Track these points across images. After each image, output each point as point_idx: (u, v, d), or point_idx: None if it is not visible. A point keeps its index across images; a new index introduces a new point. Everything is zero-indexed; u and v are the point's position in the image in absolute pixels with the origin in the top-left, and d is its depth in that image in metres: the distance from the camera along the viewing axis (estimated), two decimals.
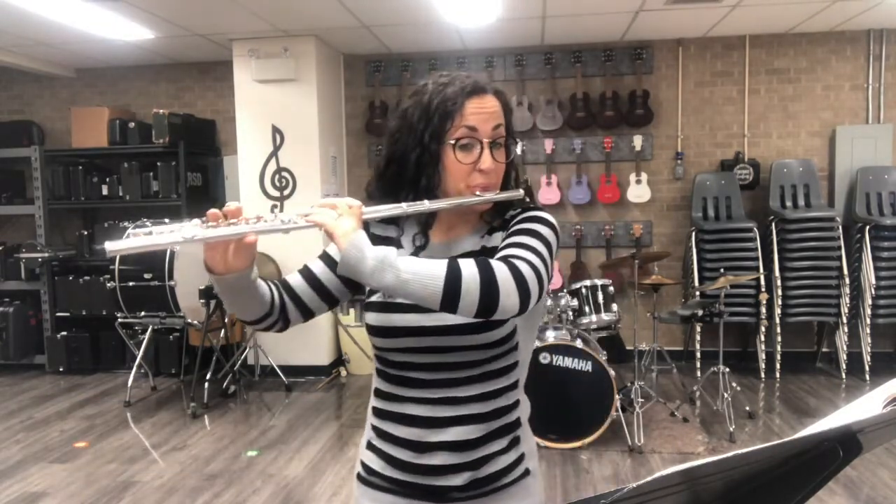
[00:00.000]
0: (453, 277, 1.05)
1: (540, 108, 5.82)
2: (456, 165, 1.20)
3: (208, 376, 4.90)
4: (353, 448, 4.06)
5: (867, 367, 5.18)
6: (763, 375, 5.29)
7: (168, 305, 4.92)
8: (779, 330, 5.26)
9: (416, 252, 1.29)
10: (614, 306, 4.40)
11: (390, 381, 1.27)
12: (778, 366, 5.28)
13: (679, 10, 4.89)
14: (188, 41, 5.46)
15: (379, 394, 1.30)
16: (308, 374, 5.57)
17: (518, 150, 1.30)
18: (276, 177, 5.58)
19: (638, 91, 5.66)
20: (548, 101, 5.81)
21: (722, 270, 4.37)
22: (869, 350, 5.21)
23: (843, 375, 5.25)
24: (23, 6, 4.37)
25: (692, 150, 5.81)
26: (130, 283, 4.95)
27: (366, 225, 1.15)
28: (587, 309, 4.36)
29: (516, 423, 1.28)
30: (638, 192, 5.77)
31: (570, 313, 4.30)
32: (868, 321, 5.16)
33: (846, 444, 0.67)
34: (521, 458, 1.27)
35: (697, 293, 4.77)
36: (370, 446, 1.31)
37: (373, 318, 1.26)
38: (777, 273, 5.21)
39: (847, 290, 5.18)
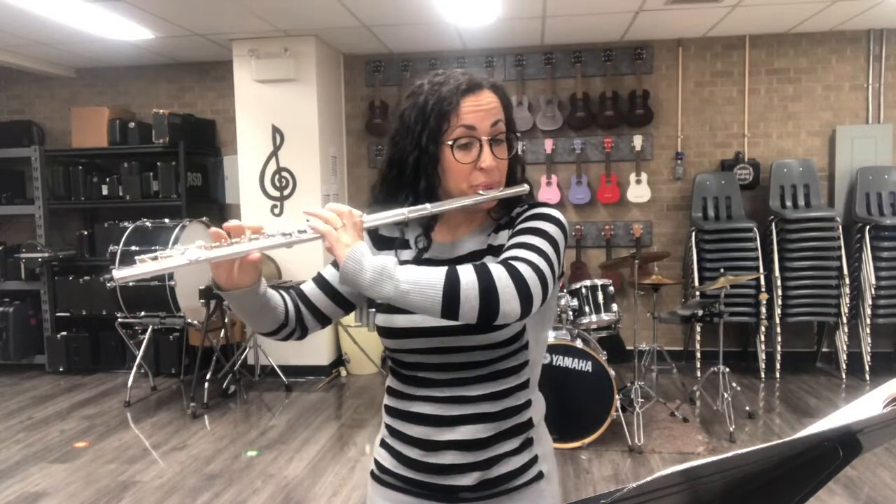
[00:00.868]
0: (451, 286, 1.05)
1: (540, 108, 5.83)
2: (456, 166, 1.19)
3: (208, 376, 4.90)
4: (352, 448, 4.06)
5: (867, 367, 5.18)
6: (763, 375, 5.29)
7: (168, 305, 4.92)
8: (779, 330, 5.26)
9: (420, 254, 1.28)
10: (614, 306, 4.40)
11: (401, 380, 1.28)
12: (778, 366, 5.28)
13: (679, 10, 4.89)
14: (188, 41, 5.46)
15: (391, 392, 1.30)
16: (308, 374, 5.57)
17: (519, 147, 1.29)
18: (276, 177, 5.58)
19: (638, 91, 5.66)
20: (548, 101, 5.81)
21: (722, 270, 4.37)
22: (869, 350, 5.21)
23: (843, 375, 5.25)
24: (23, 6, 4.38)
25: (692, 150, 5.81)
26: (130, 283, 4.92)
27: (376, 228, 1.16)
28: (587, 309, 4.36)
29: (528, 424, 1.26)
30: (638, 192, 5.77)
31: (570, 313, 4.30)
32: (868, 321, 5.16)
33: (846, 444, 0.67)
34: (534, 461, 1.25)
35: (697, 293, 4.77)
36: (383, 444, 1.31)
37: (380, 319, 1.26)
38: (777, 273, 5.21)
39: (847, 290, 5.18)
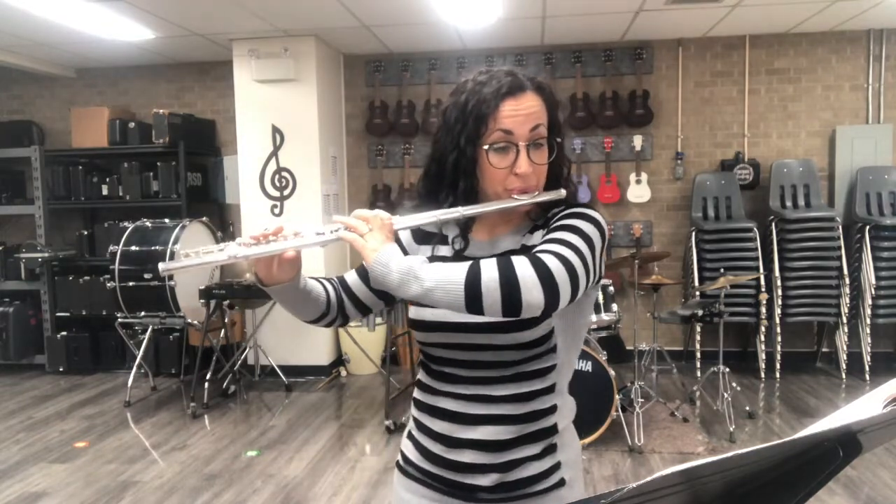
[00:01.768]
0: (473, 280, 1.05)
1: None
2: (491, 170, 1.18)
3: (208, 376, 4.90)
4: (352, 448, 4.06)
5: (867, 367, 5.18)
6: (763, 375, 5.29)
7: (168, 305, 4.92)
8: (779, 330, 5.26)
9: (457, 254, 1.29)
10: (614, 306, 4.39)
11: (430, 375, 1.29)
12: (778, 366, 5.28)
13: (679, 10, 4.89)
14: (188, 41, 5.46)
15: (420, 385, 1.32)
16: (308, 374, 5.57)
17: (577, 145, 1.28)
18: (276, 177, 5.58)
19: (638, 91, 5.66)
20: None
21: (722, 270, 4.37)
22: (869, 350, 5.21)
23: (843, 375, 5.25)
24: (23, 6, 4.38)
25: (692, 150, 5.81)
26: (130, 283, 4.95)
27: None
28: None
29: (552, 429, 1.24)
30: (638, 192, 5.77)
31: None
32: (868, 321, 5.16)
33: (846, 444, 0.67)
34: (556, 467, 1.23)
35: (697, 293, 4.77)
36: (410, 436, 1.33)
37: (412, 312, 1.28)
38: (777, 273, 5.21)
39: (847, 290, 5.18)
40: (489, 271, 1.05)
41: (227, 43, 5.51)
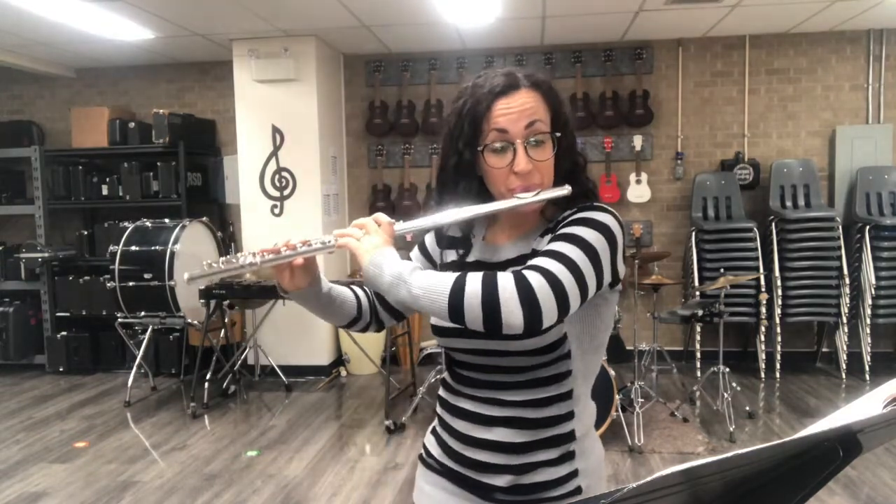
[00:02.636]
0: (456, 294, 1.05)
1: None
2: (492, 171, 1.19)
3: (208, 376, 4.90)
4: (352, 448, 4.06)
5: (867, 367, 5.19)
6: (763, 375, 5.29)
7: (168, 305, 4.92)
8: (779, 330, 5.26)
9: (462, 258, 1.32)
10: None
11: (452, 376, 1.32)
12: (778, 366, 5.28)
13: (679, 10, 4.89)
14: (188, 41, 5.46)
15: (444, 385, 1.35)
16: (308, 374, 5.57)
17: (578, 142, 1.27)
18: (276, 177, 5.58)
19: (638, 91, 5.66)
20: None
21: (722, 270, 4.37)
22: (869, 350, 5.21)
23: (843, 375, 5.25)
24: (23, 6, 4.38)
25: (692, 150, 5.81)
26: (130, 283, 4.95)
27: (440, 228, 1.28)
28: None
29: (570, 436, 1.23)
30: (638, 192, 5.77)
31: None
32: (868, 321, 5.16)
33: (846, 444, 0.67)
34: (573, 474, 1.23)
35: (697, 293, 4.77)
36: (433, 431, 1.37)
37: (433, 317, 1.30)
38: (777, 273, 5.21)
39: (847, 290, 5.18)
40: (473, 286, 1.05)
41: (227, 43, 5.51)
